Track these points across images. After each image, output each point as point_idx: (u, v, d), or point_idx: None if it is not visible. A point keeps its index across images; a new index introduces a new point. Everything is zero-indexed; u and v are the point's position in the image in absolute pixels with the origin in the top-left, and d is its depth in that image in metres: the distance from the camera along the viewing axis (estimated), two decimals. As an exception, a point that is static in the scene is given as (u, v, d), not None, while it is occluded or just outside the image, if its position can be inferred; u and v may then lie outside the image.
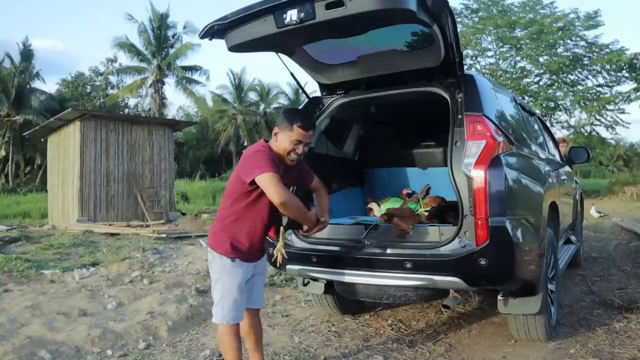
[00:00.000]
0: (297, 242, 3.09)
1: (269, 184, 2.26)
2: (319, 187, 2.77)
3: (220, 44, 3.09)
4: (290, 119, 2.41)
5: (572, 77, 23.03)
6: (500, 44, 23.00)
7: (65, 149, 13.50)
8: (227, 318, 2.40)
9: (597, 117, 22.49)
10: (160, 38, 30.62)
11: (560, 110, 23.38)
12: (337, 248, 2.96)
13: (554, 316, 3.32)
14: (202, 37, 2.73)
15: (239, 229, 2.42)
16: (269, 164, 2.29)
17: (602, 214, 11.53)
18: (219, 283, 2.43)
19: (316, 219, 2.57)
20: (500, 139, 2.68)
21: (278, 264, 2.82)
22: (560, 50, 22.05)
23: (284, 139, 2.41)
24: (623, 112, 22.07)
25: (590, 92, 22.52)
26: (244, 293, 2.45)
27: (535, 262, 2.73)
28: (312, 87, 3.66)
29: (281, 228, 2.69)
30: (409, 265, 2.68)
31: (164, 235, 8.94)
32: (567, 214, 4.41)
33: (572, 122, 23.70)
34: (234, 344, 2.42)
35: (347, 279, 3.00)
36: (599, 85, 22.65)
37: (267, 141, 2.51)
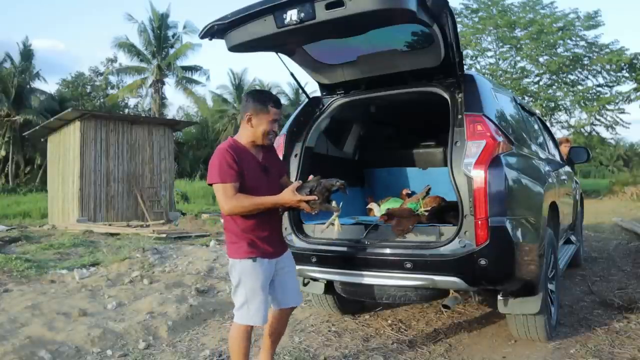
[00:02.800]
0: (297, 242, 3.09)
1: (219, 196, 2.31)
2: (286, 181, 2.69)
3: (220, 44, 3.09)
4: (263, 101, 2.40)
5: (572, 77, 23.06)
6: (500, 44, 23.03)
7: (65, 149, 13.50)
8: (255, 319, 2.39)
9: (597, 117, 22.53)
10: (160, 38, 30.62)
11: (560, 110, 23.40)
12: (337, 248, 2.96)
13: (554, 316, 3.32)
14: (202, 37, 2.73)
15: (251, 226, 2.38)
16: (219, 171, 2.30)
17: None
18: (241, 286, 2.39)
19: (291, 192, 2.32)
20: (500, 139, 2.68)
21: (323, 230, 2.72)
22: (560, 50, 22.08)
23: (261, 122, 2.39)
24: (623, 112, 22.14)
25: (590, 92, 22.55)
26: (267, 292, 2.44)
27: (535, 262, 2.73)
28: (312, 87, 3.66)
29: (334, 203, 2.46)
30: (409, 265, 2.68)
31: (164, 235, 8.94)
32: (567, 214, 4.41)
33: (572, 122, 23.75)
34: (245, 347, 2.42)
35: (347, 279, 3.00)
36: (599, 85, 22.68)
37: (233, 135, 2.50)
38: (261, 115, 2.39)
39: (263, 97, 2.43)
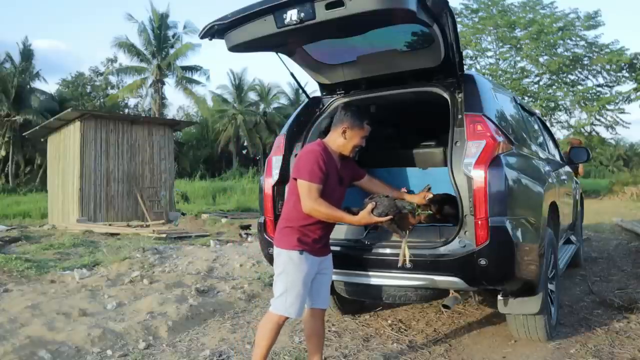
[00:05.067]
0: None
1: (302, 193, 2.43)
2: (369, 178, 2.92)
3: (220, 44, 3.10)
4: (361, 118, 2.59)
5: (572, 77, 23.09)
6: (500, 44, 23.04)
7: (65, 149, 13.51)
8: (290, 310, 2.46)
9: (597, 117, 22.53)
10: (160, 38, 30.63)
11: (560, 110, 23.41)
12: (337, 248, 2.95)
13: (554, 316, 3.32)
14: (202, 37, 2.73)
15: (310, 224, 2.48)
16: (310, 170, 2.42)
17: None
18: (283, 275, 2.48)
19: (367, 214, 2.42)
20: (500, 139, 2.68)
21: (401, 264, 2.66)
22: (560, 50, 22.10)
23: (355, 137, 2.58)
24: (623, 112, 22.13)
25: (590, 92, 22.56)
26: (307, 288, 2.50)
27: (535, 262, 2.73)
28: (312, 87, 3.66)
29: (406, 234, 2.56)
30: (409, 265, 2.68)
31: (164, 235, 8.95)
32: (567, 214, 4.40)
33: (572, 122, 23.76)
34: (272, 336, 2.49)
35: (347, 279, 3.01)
36: (599, 85, 22.71)
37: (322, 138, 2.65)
38: (356, 130, 2.58)
39: (360, 114, 2.61)
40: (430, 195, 2.94)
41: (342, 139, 2.57)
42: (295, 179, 2.49)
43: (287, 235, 2.50)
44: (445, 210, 3.11)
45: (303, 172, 2.44)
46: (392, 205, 2.43)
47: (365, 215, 2.42)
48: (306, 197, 2.41)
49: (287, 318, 2.51)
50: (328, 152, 2.55)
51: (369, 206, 2.43)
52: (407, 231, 2.55)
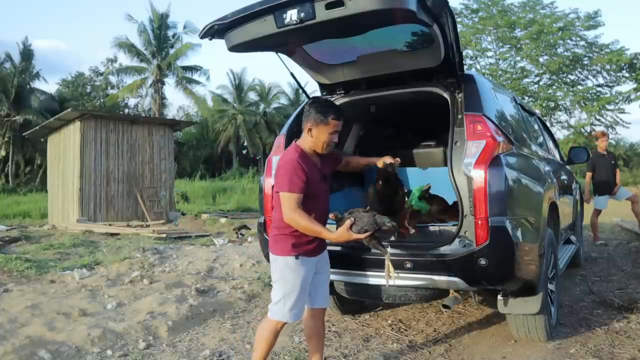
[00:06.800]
0: None
1: (284, 203, 2.38)
2: (346, 159, 2.88)
3: (220, 44, 3.10)
4: (324, 112, 2.43)
5: (572, 77, 23.07)
6: (500, 44, 23.04)
7: (65, 149, 13.51)
8: (288, 316, 2.43)
9: (597, 117, 22.50)
10: (160, 38, 30.64)
11: (560, 110, 23.41)
12: (337, 248, 2.95)
13: (554, 316, 3.32)
14: (202, 37, 2.73)
15: (301, 233, 2.43)
16: (290, 180, 2.35)
17: None
18: (281, 282, 2.45)
19: (346, 230, 2.33)
20: (500, 139, 2.68)
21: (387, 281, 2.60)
22: (560, 50, 22.08)
23: (321, 134, 2.45)
24: (623, 112, 22.10)
25: (590, 92, 22.54)
26: (306, 291, 2.48)
27: (535, 262, 2.73)
28: (312, 87, 3.66)
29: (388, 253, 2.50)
30: (409, 265, 2.68)
31: (164, 235, 8.94)
32: (567, 214, 4.41)
33: (572, 122, 23.75)
34: (271, 341, 2.48)
35: (348, 279, 3.01)
36: (599, 85, 22.69)
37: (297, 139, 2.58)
38: (321, 126, 2.44)
39: (324, 110, 2.44)
40: (390, 161, 2.79)
41: (309, 138, 2.47)
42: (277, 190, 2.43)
43: (281, 242, 2.46)
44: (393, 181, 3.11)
45: (283, 184, 2.38)
46: (371, 222, 2.32)
47: (343, 233, 2.32)
48: (287, 207, 2.36)
49: (286, 323, 2.50)
50: (305, 155, 2.46)
51: (347, 222, 2.32)
52: (389, 247, 2.49)
